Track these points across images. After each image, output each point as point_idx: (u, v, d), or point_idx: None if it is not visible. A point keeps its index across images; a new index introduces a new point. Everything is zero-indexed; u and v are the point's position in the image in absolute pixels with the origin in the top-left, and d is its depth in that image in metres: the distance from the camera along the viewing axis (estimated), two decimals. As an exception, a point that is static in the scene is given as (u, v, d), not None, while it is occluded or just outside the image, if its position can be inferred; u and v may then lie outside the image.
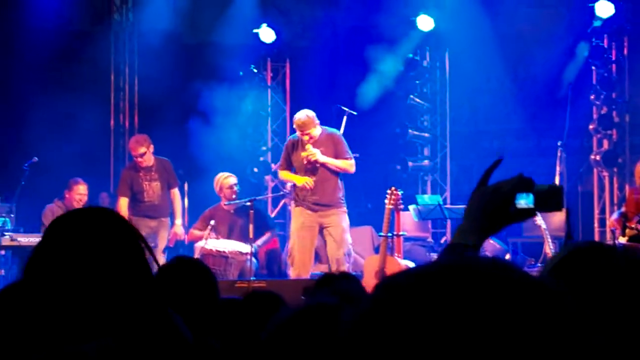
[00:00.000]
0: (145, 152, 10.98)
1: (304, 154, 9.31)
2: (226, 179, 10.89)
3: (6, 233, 10.12)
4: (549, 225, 10.52)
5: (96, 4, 13.87)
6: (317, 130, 9.31)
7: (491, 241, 11.51)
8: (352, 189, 13.45)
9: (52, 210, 10.84)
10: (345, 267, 9.28)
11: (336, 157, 9.44)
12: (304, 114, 9.40)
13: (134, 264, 2.38)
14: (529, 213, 2.06)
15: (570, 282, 1.58)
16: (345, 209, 9.66)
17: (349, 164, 9.40)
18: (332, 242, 9.44)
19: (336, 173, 9.49)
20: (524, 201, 2.06)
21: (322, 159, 9.24)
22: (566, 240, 2.19)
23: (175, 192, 11.23)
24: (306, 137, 9.28)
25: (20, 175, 10.94)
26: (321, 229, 9.57)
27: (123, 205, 11.01)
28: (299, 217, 9.61)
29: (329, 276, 4.60)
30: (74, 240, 2.34)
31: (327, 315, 2.25)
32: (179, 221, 11.19)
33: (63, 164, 11.61)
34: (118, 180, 11.50)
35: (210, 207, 10.98)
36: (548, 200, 2.06)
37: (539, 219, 10.72)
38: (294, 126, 9.50)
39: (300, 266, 9.46)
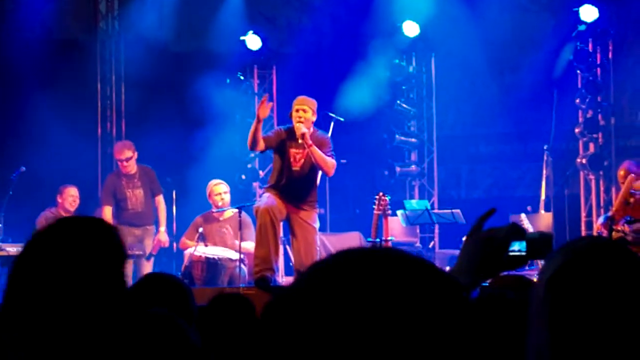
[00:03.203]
0: (130, 157, 11.03)
1: (297, 128, 8.85)
2: (216, 186, 10.90)
3: (-6, 243, 10.12)
4: (537, 229, 10.55)
5: (82, 12, 13.85)
6: (311, 117, 9.04)
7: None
8: (340, 195, 13.51)
9: (47, 218, 10.85)
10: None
11: None
12: (308, 97, 9.20)
13: (111, 274, 2.40)
14: (521, 260, 2.12)
15: (571, 287, 1.59)
16: (317, 210, 9.30)
17: (331, 162, 8.98)
18: (299, 243, 9.05)
19: (314, 179, 9.26)
20: (517, 248, 2.12)
21: (309, 141, 8.89)
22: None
23: (160, 199, 11.26)
24: (300, 113, 8.92)
25: (8, 185, 10.93)
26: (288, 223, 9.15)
27: (107, 214, 11.04)
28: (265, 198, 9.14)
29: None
30: (56, 250, 2.36)
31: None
32: (162, 228, 11.21)
33: (50, 173, 11.61)
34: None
35: (199, 214, 10.98)
36: (540, 248, 2.13)
37: (526, 223, 10.77)
38: (293, 103, 9.14)
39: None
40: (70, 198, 11.27)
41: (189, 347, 2.45)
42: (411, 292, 1.12)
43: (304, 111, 8.94)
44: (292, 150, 9.03)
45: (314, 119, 9.04)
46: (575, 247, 1.64)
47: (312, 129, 8.98)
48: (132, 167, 11.09)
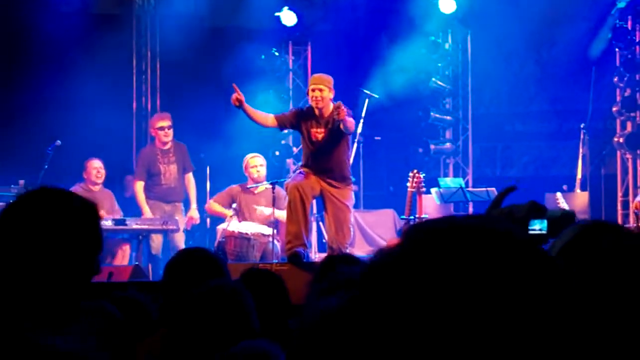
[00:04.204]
0: (170, 126, 11.08)
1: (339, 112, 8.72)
2: (252, 159, 10.92)
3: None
4: (573, 208, 10.48)
5: (118, -13, 13.88)
6: (328, 94, 8.96)
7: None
8: (374, 172, 13.48)
9: (76, 192, 10.88)
10: (346, 247, 9.04)
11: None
12: (324, 74, 9.22)
13: (79, 246, 2.38)
14: (542, 239, 2.06)
15: (579, 261, 1.59)
16: (353, 187, 9.34)
17: (352, 121, 8.97)
18: (331, 220, 9.03)
19: (341, 154, 9.14)
20: (538, 227, 2.07)
21: (346, 117, 8.70)
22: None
23: (190, 176, 11.29)
24: (317, 93, 8.88)
25: (44, 158, 10.98)
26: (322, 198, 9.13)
27: (139, 189, 11.08)
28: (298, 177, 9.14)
29: (332, 259, 4.54)
30: (26, 224, 2.35)
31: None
32: (194, 205, 11.25)
33: (86, 147, 11.66)
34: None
35: (233, 184, 10.96)
36: (562, 226, 2.07)
37: (562, 202, 10.69)
38: (309, 82, 9.21)
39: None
40: (94, 171, 11.13)
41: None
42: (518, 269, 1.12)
43: (320, 90, 8.95)
44: (313, 130, 9.06)
45: (332, 95, 9.02)
46: (582, 226, 1.66)
47: (331, 105, 8.95)
48: (169, 137, 11.14)
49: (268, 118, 9.15)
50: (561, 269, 1.15)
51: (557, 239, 1.67)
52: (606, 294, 1.54)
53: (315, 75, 9.18)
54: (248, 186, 10.83)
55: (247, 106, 8.99)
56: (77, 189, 10.97)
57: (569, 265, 1.58)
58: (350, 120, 8.88)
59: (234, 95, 8.87)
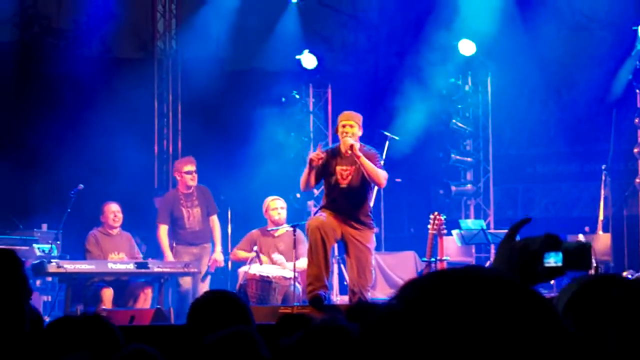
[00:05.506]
0: (195, 170, 11.14)
1: (344, 142, 8.76)
2: (273, 201, 10.93)
3: (52, 260, 10.20)
4: (595, 250, 10.42)
5: (140, 31, 14.03)
6: (357, 132, 8.91)
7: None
8: (395, 214, 13.47)
9: (95, 236, 10.93)
10: (368, 290, 9.00)
11: None
12: (353, 111, 9.22)
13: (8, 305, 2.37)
14: (557, 272, 2.02)
15: (583, 315, 1.58)
16: (374, 229, 9.18)
17: (382, 173, 8.86)
18: (353, 262, 8.91)
19: (365, 196, 9.18)
20: (553, 260, 2.03)
21: (358, 153, 8.69)
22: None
23: (215, 219, 11.31)
24: (347, 129, 8.83)
25: (67, 202, 11.03)
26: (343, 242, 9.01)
27: (163, 233, 11.10)
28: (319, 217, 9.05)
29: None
30: None
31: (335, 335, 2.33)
32: (218, 248, 11.26)
33: (107, 191, 11.71)
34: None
35: (254, 229, 10.99)
36: (577, 259, 2.03)
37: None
38: (338, 119, 9.08)
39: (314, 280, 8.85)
40: (112, 215, 11.03)
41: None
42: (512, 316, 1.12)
43: (351, 126, 8.89)
44: (339, 168, 8.94)
45: (360, 133, 8.97)
46: (585, 278, 1.64)
47: (359, 144, 8.91)
48: (195, 181, 11.18)
49: (313, 184, 9.13)
50: (560, 320, 1.15)
51: (562, 292, 1.66)
52: (619, 342, 1.52)
53: (345, 112, 9.15)
54: (268, 229, 10.83)
55: (314, 171, 8.91)
56: (95, 233, 11.02)
57: (577, 316, 1.57)
58: (374, 169, 8.78)
59: (318, 155, 8.81)
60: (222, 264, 11.34)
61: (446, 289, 1.12)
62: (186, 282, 11.01)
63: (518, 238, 2.10)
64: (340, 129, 8.95)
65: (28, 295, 2.40)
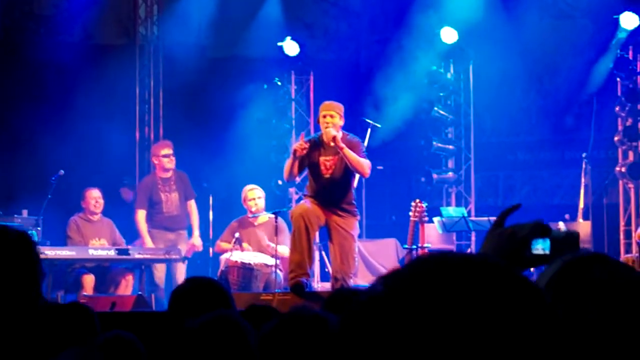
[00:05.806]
0: (172, 154, 11.12)
1: (325, 133, 8.75)
2: (250, 191, 10.91)
3: (33, 246, 10.15)
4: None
5: (121, 17, 13.97)
6: (339, 121, 8.87)
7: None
8: (377, 201, 13.49)
9: (76, 222, 10.91)
10: (351, 277, 9.00)
11: None
12: (334, 101, 9.15)
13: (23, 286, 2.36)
14: (544, 259, 2.02)
15: (564, 295, 1.58)
16: (358, 217, 9.20)
17: (365, 162, 8.82)
18: (336, 249, 8.93)
19: (348, 184, 9.11)
20: (541, 247, 2.03)
21: (341, 144, 8.67)
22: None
23: (192, 203, 11.31)
24: (328, 119, 8.82)
25: (47, 188, 10.99)
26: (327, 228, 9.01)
27: (141, 218, 11.09)
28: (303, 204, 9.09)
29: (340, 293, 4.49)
30: None
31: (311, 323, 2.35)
32: (197, 232, 11.26)
33: (88, 176, 11.68)
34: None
35: (235, 219, 11.01)
36: (565, 247, 2.03)
37: (562, 229, 10.69)
38: (319, 109, 9.07)
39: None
40: (93, 200, 11.01)
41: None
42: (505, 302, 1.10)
43: (332, 117, 8.88)
44: (322, 159, 8.94)
45: (342, 123, 8.96)
46: (567, 258, 1.64)
47: (341, 133, 8.90)
48: (173, 164, 11.16)
49: (297, 174, 9.09)
50: (547, 303, 1.14)
51: (544, 271, 1.65)
52: (600, 324, 1.53)
53: (327, 102, 9.12)
54: (249, 216, 10.83)
55: (297, 160, 8.87)
56: (75, 219, 10.99)
57: (557, 297, 1.57)
58: (357, 159, 8.76)
59: (302, 145, 8.79)
60: (201, 249, 11.34)
61: (431, 272, 1.11)
62: (159, 271, 10.98)
63: (506, 225, 2.11)
64: (321, 119, 8.94)
65: (42, 277, 2.41)
